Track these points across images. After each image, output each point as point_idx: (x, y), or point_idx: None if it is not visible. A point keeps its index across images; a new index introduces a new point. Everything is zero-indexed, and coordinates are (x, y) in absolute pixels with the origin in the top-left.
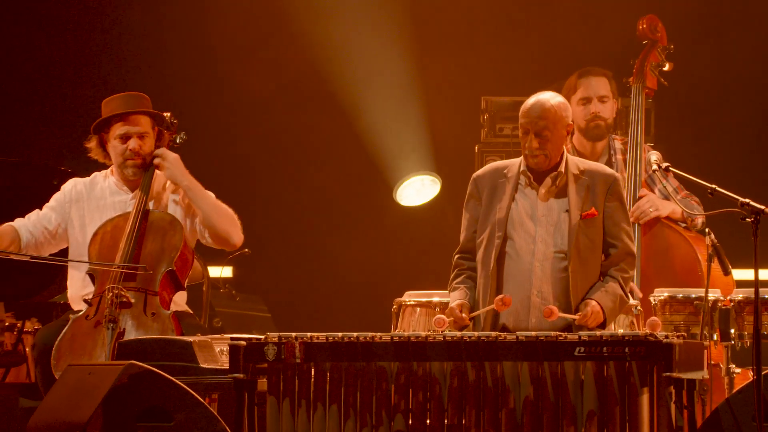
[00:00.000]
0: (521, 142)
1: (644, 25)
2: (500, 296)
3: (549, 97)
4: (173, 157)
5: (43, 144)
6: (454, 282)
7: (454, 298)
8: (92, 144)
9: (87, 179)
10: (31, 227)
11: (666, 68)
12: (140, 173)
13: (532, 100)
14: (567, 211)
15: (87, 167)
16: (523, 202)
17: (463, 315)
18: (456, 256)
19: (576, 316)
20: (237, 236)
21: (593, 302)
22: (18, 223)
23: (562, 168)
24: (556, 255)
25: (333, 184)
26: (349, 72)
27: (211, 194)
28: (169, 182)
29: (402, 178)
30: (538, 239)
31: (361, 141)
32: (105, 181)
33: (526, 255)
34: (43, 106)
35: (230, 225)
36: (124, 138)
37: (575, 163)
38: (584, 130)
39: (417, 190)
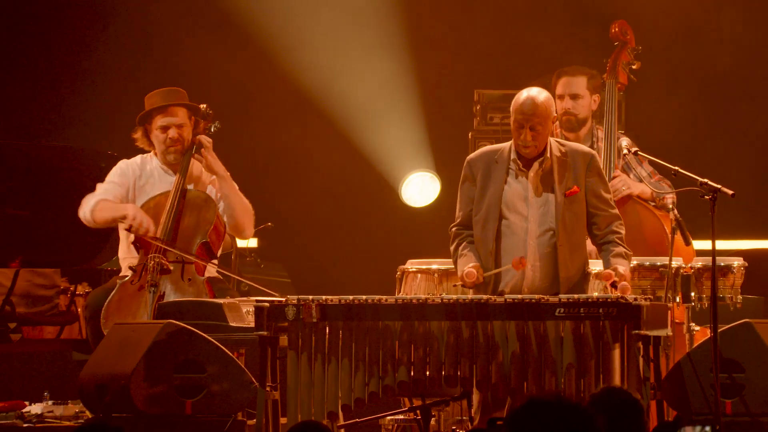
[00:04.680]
0: (513, 134)
1: (616, 29)
2: (518, 257)
3: (538, 94)
4: (212, 152)
5: (92, 129)
6: (461, 248)
7: (467, 261)
8: (138, 134)
9: (137, 161)
10: (113, 198)
11: (635, 66)
12: (180, 158)
13: (523, 96)
14: (553, 191)
15: (131, 151)
16: (516, 186)
17: (479, 276)
18: (454, 228)
19: (617, 279)
20: (249, 230)
21: (620, 269)
22: (104, 195)
23: (547, 153)
24: (546, 233)
25: (345, 170)
26: (349, 71)
27: (236, 185)
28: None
29: (403, 171)
30: (530, 219)
31: (366, 132)
32: (151, 162)
33: (520, 233)
34: (94, 95)
35: (247, 218)
36: (165, 129)
37: (557, 146)
38: (559, 122)
39: (419, 189)
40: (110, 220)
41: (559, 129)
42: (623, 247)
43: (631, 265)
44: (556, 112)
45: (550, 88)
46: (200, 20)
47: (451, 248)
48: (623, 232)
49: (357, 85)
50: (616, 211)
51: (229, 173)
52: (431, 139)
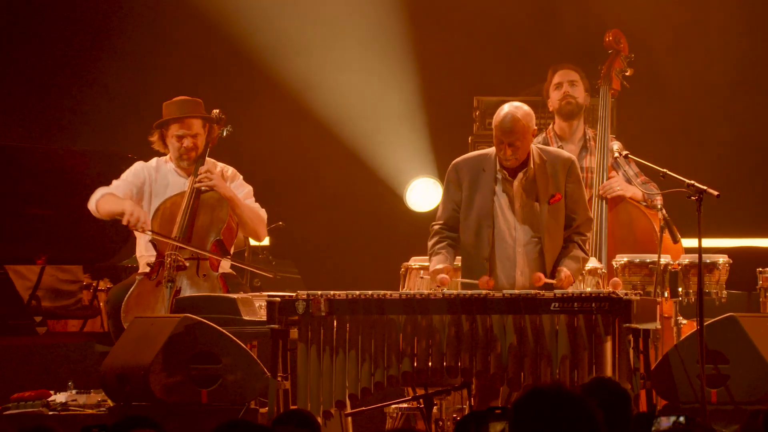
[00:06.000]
0: (495, 148)
1: (610, 38)
2: (487, 278)
3: (516, 110)
4: (218, 177)
5: (113, 133)
6: (436, 247)
7: (439, 261)
8: (154, 138)
9: (152, 164)
10: (121, 194)
11: (628, 73)
12: (193, 163)
13: (502, 113)
14: (537, 200)
15: (148, 153)
16: (503, 196)
17: (447, 277)
18: (436, 225)
19: (554, 281)
20: (263, 234)
21: (565, 270)
22: (113, 189)
23: (531, 163)
24: (532, 239)
25: (351, 173)
26: (357, 85)
27: (250, 188)
28: (217, 171)
29: (407, 176)
30: (517, 227)
31: (372, 137)
32: (166, 165)
33: (509, 241)
34: (114, 100)
35: (260, 226)
36: (180, 138)
37: (538, 153)
38: (558, 110)
39: (422, 195)
40: (110, 213)
41: (553, 132)
42: (581, 250)
43: (622, 262)
44: (534, 115)
45: (545, 87)
46: (214, 31)
47: (429, 243)
48: (588, 235)
49: (363, 97)
50: (590, 214)
51: (234, 193)
52: (433, 144)
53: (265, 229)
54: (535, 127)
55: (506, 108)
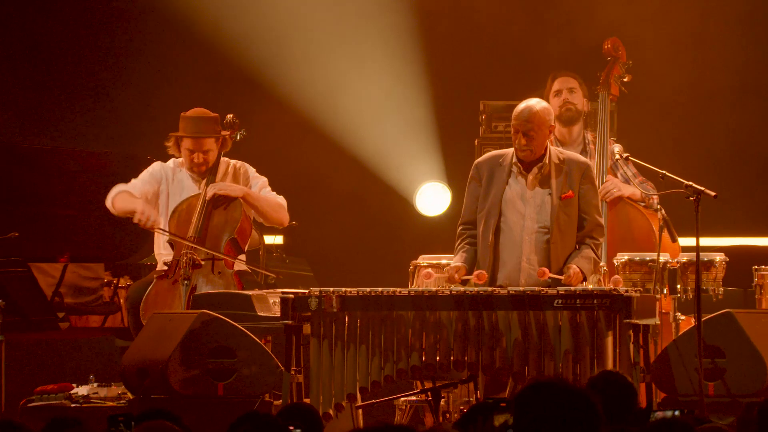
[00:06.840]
0: (512, 139)
1: (609, 45)
2: (478, 272)
3: (535, 104)
4: (226, 184)
5: (133, 137)
6: (457, 248)
7: (455, 260)
8: (170, 143)
9: (169, 165)
10: (137, 193)
11: (626, 79)
12: (204, 175)
13: (522, 105)
14: (550, 194)
15: (166, 156)
16: (515, 187)
17: (456, 276)
18: (460, 227)
19: (562, 277)
20: (286, 219)
21: (574, 266)
22: (130, 188)
23: (546, 159)
24: (541, 230)
25: (361, 178)
26: (367, 94)
27: (265, 179)
28: (230, 169)
29: (417, 180)
30: (526, 217)
31: (381, 142)
32: (182, 168)
33: (517, 229)
34: (134, 105)
35: (280, 213)
36: (192, 152)
37: (556, 153)
38: (558, 116)
39: (432, 199)
40: (125, 210)
41: (552, 136)
42: (593, 252)
43: (623, 260)
44: (553, 113)
45: (544, 94)
46: (229, 41)
47: (455, 245)
48: (601, 240)
49: (373, 103)
50: (602, 220)
51: (246, 189)
52: (441, 150)
53: (287, 214)
54: (553, 124)
55: (525, 102)
